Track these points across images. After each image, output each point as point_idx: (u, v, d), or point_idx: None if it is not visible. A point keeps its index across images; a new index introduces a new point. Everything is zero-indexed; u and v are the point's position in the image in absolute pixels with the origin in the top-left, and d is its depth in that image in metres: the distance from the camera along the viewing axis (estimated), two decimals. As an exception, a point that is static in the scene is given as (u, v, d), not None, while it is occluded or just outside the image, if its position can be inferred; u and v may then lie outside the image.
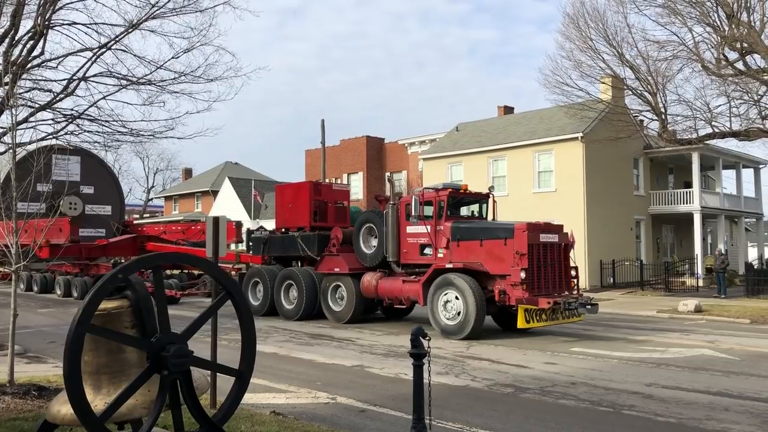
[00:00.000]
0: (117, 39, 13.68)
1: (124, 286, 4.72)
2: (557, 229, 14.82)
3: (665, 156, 34.34)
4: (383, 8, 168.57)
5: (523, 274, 13.43)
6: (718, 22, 26.03)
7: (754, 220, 41.04)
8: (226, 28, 38.88)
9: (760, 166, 38.47)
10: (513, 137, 32.96)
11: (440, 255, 15.04)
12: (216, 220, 7.23)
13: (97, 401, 4.43)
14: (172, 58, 14.03)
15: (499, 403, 8.27)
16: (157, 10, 13.63)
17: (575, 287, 14.78)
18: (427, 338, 5.44)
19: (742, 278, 28.86)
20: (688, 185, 34.55)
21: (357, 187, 45.17)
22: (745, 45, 25.86)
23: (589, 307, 13.99)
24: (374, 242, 16.57)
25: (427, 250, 15.48)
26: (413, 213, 14.89)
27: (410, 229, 15.77)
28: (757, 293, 25.36)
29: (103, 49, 13.58)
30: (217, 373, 6.88)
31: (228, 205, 57.10)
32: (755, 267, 30.23)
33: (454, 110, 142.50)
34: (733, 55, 26.44)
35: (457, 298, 14.01)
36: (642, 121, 30.31)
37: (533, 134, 32.11)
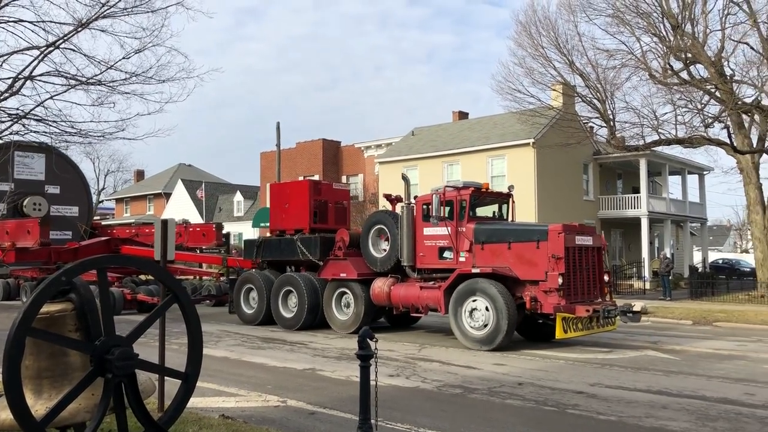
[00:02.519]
0: (66, 38, 13.41)
1: (68, 289, 4.69)
2: (591, 231, 13.90)
3: (614, 162, 35.27)
4: (342, 10, 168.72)
5: (560, 280, 12.42)
6: (664, 33, 26.92)
7: (699, 224, 42.40)
8: (179, 29, 38.41)
9: (705, 172, 39.80)
10: (467, 142, 33.39)
11: (462, 259, 13.94)
12: (165, 223, 7.18)
13: (38, 406, 4.38)
14: (123, 58, 13.80)
15: (448, 403, 8.40)
16: (108, 9, 13.39)
17: (608, 293, 14.00)
18: (375, 340, 5.52)
19: (687, 281, 29.82)
20: (636, 190, 35.54)
21: (312, 191, 45.02)
22: (690, 55, 26.79)
23: (630, 314, 13.07)
24: (385, 245, 15.40)
25: (447, 254, 14.32)
26: (434, 213, 13.82)
27: (428, 231, 14.60)
28: (700, 296, 26.25)
29: (51, 48, 13.30)
30: (165, 377, 6.85)
31: (181, 208, 56.30)
32: (699, 270, 31.27)
33: (412, 114, 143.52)
34: (678, 65, 27.40)
35: (486, 306, 12.91)
36: (592, 127, 31.10)
37: (487, 140, 32.59)
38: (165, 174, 67.94)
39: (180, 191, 59.30)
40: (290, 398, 8.61)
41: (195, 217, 51.32)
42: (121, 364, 4.46)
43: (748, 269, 40.29)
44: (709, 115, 26.79)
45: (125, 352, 4.48)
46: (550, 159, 30.48)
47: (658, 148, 30.81)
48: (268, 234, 22.80)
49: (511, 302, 12.77)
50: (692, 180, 40.25)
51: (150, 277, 26.02)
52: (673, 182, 39.79)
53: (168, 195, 61.37)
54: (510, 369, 10.82)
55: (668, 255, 29.05)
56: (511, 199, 15.28)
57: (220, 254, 24.52)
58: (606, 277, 13.83)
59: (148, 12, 13.82)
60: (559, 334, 12.29)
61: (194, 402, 8.13)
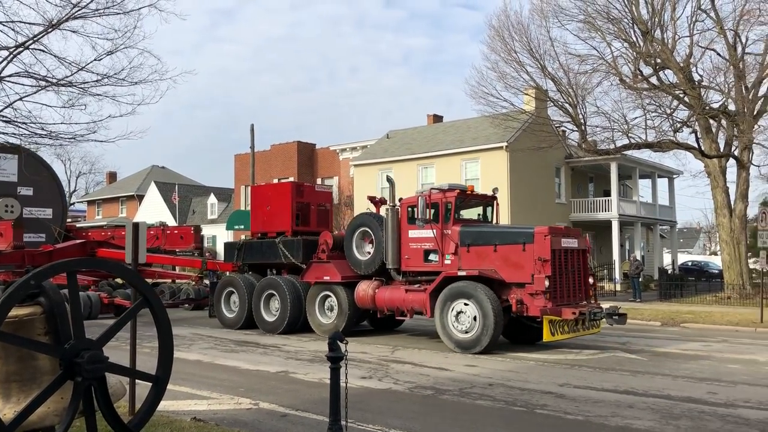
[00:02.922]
0: (36, 38, 13.29)
1: (37, 293, 4.69)
2: (576, 233, 13.98)
3: (585, 165, 35.77)
4: (318, 11, 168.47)
5: (546, 283, 12.44)
6: (635, 39, 27.41)
7: (668, 227, 43.14)
8: (152, 30, 38.00)
9: (674, 176, 40.51)
10: (441, 145, 33.62)
11: (447, 261, 13.91)
12: (136, 226, 7.18)
13: (6, 410, 4.38)
14: (95, 60, 13.72)
15: (419, 404, 8.50)
16: (79, 10, 13.30)
17: (593, 296, 14.04)
18: (345, 342, 5.59)
19: (657, 283, 30.34)
20: (607, 194, 36.07)
21: (287, 193, 44.98)
22: (659, 61, 27.31)
23: (616, 317, 13.11)
24: (369, 248, 15.31)
25: (433, 256, 14.29)
26: (419, 216, 13.81)
27: (413, 234, 14.53)
28: (669, 297, 26.76)
29: (21, 49, 13.17)
30: (136, 380, 6.85)
31: (154, 210, 55.76)
32: (669, 272, 31.84)
33: (389, 117, 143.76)
34: (648, 70, 27.92)
35: (472, 309, 12.87)
36: (565, 131, 31.52)
37: (461, 143, 32.85)
38: (138, 176, 67.25)
39: (153, 193, 58.74)
40: (262, 401, 8.64)
41: (168, 220, 50.84)
42: (91, 367, 4.47)
43: (716, 271, 41.07)
44: (678, 119, 27.33)
45: (95, 355, 4.49)
46: (523, 162, 30.82)
47: (629, 152, 31.36)
48: (243, 237, 22.58)
49: (498, 305, 12.74)
50: (662, 183, 41.01)
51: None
52: (644, 185, 40.50)
53: (141, 197, 60.75)
54: (481, 370, 10.96)
55: (638, 257, 29.56)
56: (495, 202, 15.30)
57: (195, 257, 24.26)
58: (591, 280, 13.91)
59: (120, 13, 13.76)
60: (546, 336, 12.30)
61: (166, 405, 8.13)
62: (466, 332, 12.93)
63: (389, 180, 15.60)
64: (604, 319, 13.19)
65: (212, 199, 55.32)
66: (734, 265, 26.67)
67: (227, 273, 19.25)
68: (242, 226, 33.79)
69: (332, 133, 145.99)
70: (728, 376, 10.44)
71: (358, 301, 15.19)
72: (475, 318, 12.79)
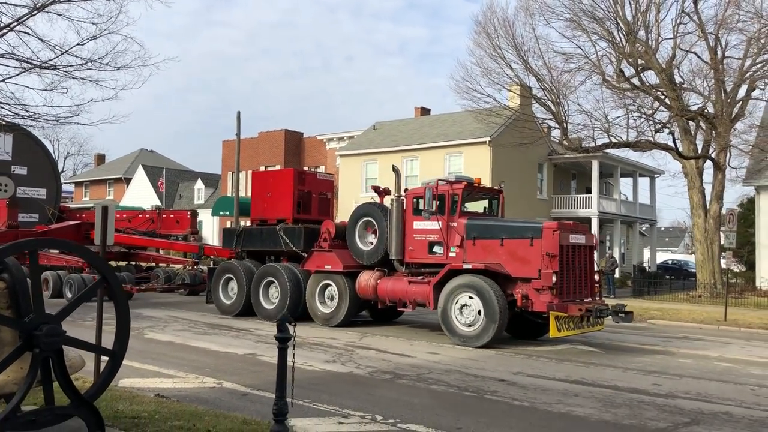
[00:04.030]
0: (21, 20, 13.48)
1: (0, 269, 5.03)
2: (584, 229, 13.77)
3: (568, 162, 36.22)
4: None
5: (554, 278, 12.31)
6: (619, 39, 27.82)
7: (648, 225, 43.73)
8: (137, 16, 38.20)
9: (656, 175, 41.07)
10: (426, 138, 33.99)
11: (452, 254, 13.77)
12: (105, 208, 7.49)
13: (-32, 377, 4.72)
14: (78, 44, 13.94)
15: (376, 388, 8.89)
16: (62, -5, 13.53)
17: (598, 292, 13.94)
18: (293, 324, 5.96)
19: (633, 280, 30.89)
20: (590, 191, 36.57)
21: (274, 181, 45.30)
22: (642, 62, 27.74)
23: (622, 315, 13.07)
24: (372, 238, 15.22)
25: (437, 249, 14.13)
26: (426, 207, 13.62)
27: (417, 225, 14.38)
28: (642, 294, 27.32)
29: (6, 30, 13.37)
30: (101, 356, 7.19)
31: (141, 194, 55.91)
32: (645, 270, 32.42)
33: (383, 107, 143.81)
34: (630, 71, 28.33)
35: (476, 303, 12.75)
36: (549, 128, 31.95)
37: (445, 136, 33.22)
38: (126, 159, 67.29)
39: (140, 177, 58.87)
40: (226, 381, 9.00)
41: (155, 203, 51.00)
42: (49, 340, 4.82)
43: (694, 270, 41.70)
44: (656, 120, 27.79)
45: (53, 329, 4.84)
46: (506, 157, 31.23)
47: (610, 151, 31.84)
48: (242, 223, 22.57)
49: (503, 300, 12.64)
50: (644, 182, 41.62)
51: (121, 264, 25.37)
52: (626, 184, 41.07)
53: (128, 180, 60.87)
54: (442, 358, 11.37)
55: (614, 255, 30.07)
56: (501, 195, 15.25)
57: (192, 242, 24.10)
58: (596, 277, 13.84)
59: (104, -2, 13.97)
60: (552, 332, 12.24)
61: (132, 382, 8.53)
62: (470, 326, 12.84)
63: (395, 170, 15.44)
64: (610, 317, 13.18)
65: (199, 184, 55.48)
66: (707, 264, 27.26)
67: (225, 259, 19.08)
68: (227, 212, 34.05)
69: (325, 121, 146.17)
70: (677, 369, 10.90)
71: (359, 291, 15.12)
72: (479, 312, 12.68)
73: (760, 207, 28.99)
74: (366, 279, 15.00)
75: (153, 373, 9.41)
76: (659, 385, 9.47)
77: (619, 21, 27.33)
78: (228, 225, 32.35)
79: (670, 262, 49.95)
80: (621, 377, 10.04)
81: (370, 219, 15.33)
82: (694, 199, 28.02)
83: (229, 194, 44.56)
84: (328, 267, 15.61)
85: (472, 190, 14.50)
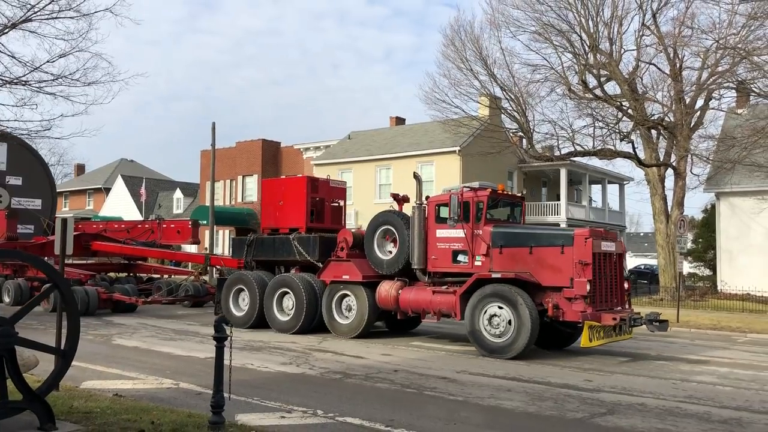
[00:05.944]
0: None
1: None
2: (613, 236, 13.54)
3: (538, 170, 37.11)
4: (300, 6, 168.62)
5: (588, 287, 12.02)
6: (582, 51, 28.76)
7: (618, 231, 44.69)
8: (106, 34, 38.59)
9: (625, 182, 42.10)
10: (399, 148, 34.76)
11: (478, 263, 13.40)
12: (64, 221, 8.08)
13: (-72, 373, 5.30)
14: (48, 61, 14.50)
15: (323, 386, 9.51)
16: (34, 13, 14.09)
17: (628, 301, 13.69)
18: (229, 325, 6.58)
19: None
20: (560, 198, 37.45)
21: (252, 190, 45.83)
22: (605, 73, 28.70)
23: (657, 323, 12.77)
24: (392, 247, 14.87)
25: (462, 257, 13.74)
26: (451, 215, 13.34)
27: (441, 233, 14.00)
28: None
29: (-24, 47, 13.88)
30: (55, 355, 7.76)
31: (120, 204, 56.16)
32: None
33: (367, 114, 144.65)
34: (594, 82, 29.27)
35: (507, 313, 12.39)
36: (520, 137, 32.83)
37: (417, 146, 34.00)
38: (106, 169, 67.47)
39: (120, 187, 59.13)
40: (184, 382, 9.57)
41: (134, 213, 51.30)
42: (2, 340, 5.43)
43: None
44: (620, 130, 28.72)
45: (5, 330, 5.45)
46: (476, 166, 32.03)
47: (578, 159, 32.76)
48: (225, 232, 22.66)
49: (535, 309, 12.32)
50: (613, 189, 42.61)
51: (122, 275, 25.03)
52: (597, 191, 42.04)
53: (108, 190, 61.09)
54: (393, 359, 12.03)
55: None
56: (523, 203, 15.13)
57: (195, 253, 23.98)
58: (626, 285, 13.60)
59: (76, 17, 14.54)
60: (584, 342, 11.98)
61: (93, 384, 9.08)
62: (500, 336, 12.47)
63: (416, 177, 15.14)
64: (644, 326, 12.99)
65: (178, 193, 55.83)
66: (669, 268, 28.16)
67: (232, 270, 18.48)
68: (205, 222, 34.46)
69: (309, 129, 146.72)
70: (611, 367, 11.63)
71: (379, 301, 14.72)
72: (509, 322, 12.33)
73: (720, 212, 29.96)
74: (387, 289, 14.64)
75: (114, 375, 9.96)
76: (590, 381, 10.18)
77: (582, 33, 28.28)
78: (206, 234, 32.78)
79: (643, 266, 50.92)
80: (556, 374, 10.74)
81: (390, 227, 14.99)
82: (656, 205, 28.95)
83: (206, 204, 45.03)
84: (346, 277, 15.21)
85: (497, 197, 14.23)
